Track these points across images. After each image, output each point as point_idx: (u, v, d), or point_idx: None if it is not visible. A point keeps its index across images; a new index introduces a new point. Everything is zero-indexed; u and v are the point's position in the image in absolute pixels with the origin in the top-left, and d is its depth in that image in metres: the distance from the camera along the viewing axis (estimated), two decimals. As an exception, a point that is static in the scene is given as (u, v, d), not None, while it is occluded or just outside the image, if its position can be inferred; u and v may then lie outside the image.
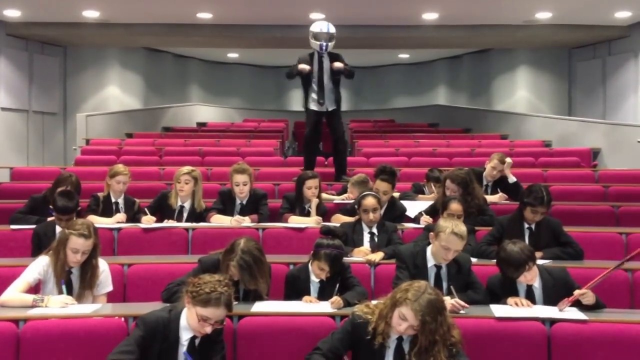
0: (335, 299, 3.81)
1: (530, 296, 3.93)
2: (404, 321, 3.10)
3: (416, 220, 5.84)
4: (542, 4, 10.52)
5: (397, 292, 3.18)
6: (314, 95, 7.48)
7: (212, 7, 10.87)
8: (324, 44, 7.24)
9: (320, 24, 7.39)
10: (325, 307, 3.81)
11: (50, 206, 5.20)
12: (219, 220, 5.74)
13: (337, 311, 3.73)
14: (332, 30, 7.34)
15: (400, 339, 3.23)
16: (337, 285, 3.98)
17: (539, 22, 11.61)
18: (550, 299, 3.88)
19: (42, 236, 4.93)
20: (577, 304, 3.76)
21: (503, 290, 3.97)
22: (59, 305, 3.69)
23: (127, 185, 5.99)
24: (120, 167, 6.01)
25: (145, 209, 5.81)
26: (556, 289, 3.90)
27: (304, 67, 7.33)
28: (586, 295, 3.73)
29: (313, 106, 7.51)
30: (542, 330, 3.56)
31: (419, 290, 3.12)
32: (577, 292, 3.74)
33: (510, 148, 10.61)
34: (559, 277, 3.98)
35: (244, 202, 5.93)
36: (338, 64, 7.33)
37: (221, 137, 11.95)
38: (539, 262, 4.51)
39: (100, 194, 5.93)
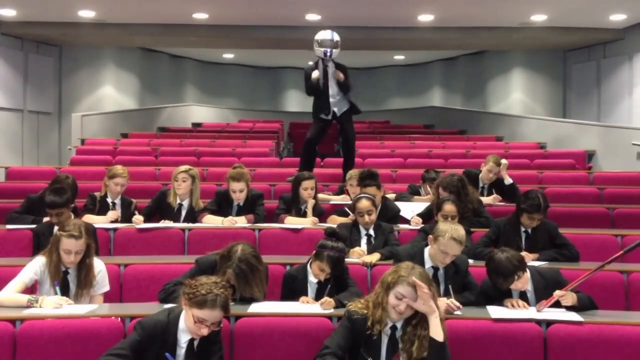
0: (325, 299, 3.81)
1: (523, 300, 3.91)
2: (401, 300, 3.20)
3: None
4: (537, 6, 10.55)
5: (387, 277, 3.32)
6: (320, 105, 7.46)
7: (208, 8, 10.86)
8: (328, 50, 7.25)
9: (325, 32, 7.40)
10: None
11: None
12: (210, 221, 5.72)
13: (333, 312, 3.72)
14: (337, 38, 7.34)
15: (394, 329, 3.29)
16: (329, 287, 3.99)
17: (534, 24, 11.64)
18: (543, 301, 3.88)
19: (41, 236, 4.93)
20: (561, 305, 3.75)
21: (497, 293, 3.97)
22: (52, 306, 3.67)
23: (125, 187, 5.98)
24: (119, 168, 5.99)
25: (135, 210, 5.81)
26: (548, 291, 3.88)
27: (316, 75, 7.31)
28: (565, 296, 3.73)
29: (321, 114, 7.49)
30: (538, 332, 3.57)
31: (408, 267, 3.32)
32: (556, 293, 3.74)
33: (505, 150, 10.64)
34: (551, 278, 3.97)
35: (241, 203, 5.92)
36: (339, 74, 7.33)
37: (216, 138, 11.94)
38: (534, 263, 4.54)
39: (97, 194, 5.93)
